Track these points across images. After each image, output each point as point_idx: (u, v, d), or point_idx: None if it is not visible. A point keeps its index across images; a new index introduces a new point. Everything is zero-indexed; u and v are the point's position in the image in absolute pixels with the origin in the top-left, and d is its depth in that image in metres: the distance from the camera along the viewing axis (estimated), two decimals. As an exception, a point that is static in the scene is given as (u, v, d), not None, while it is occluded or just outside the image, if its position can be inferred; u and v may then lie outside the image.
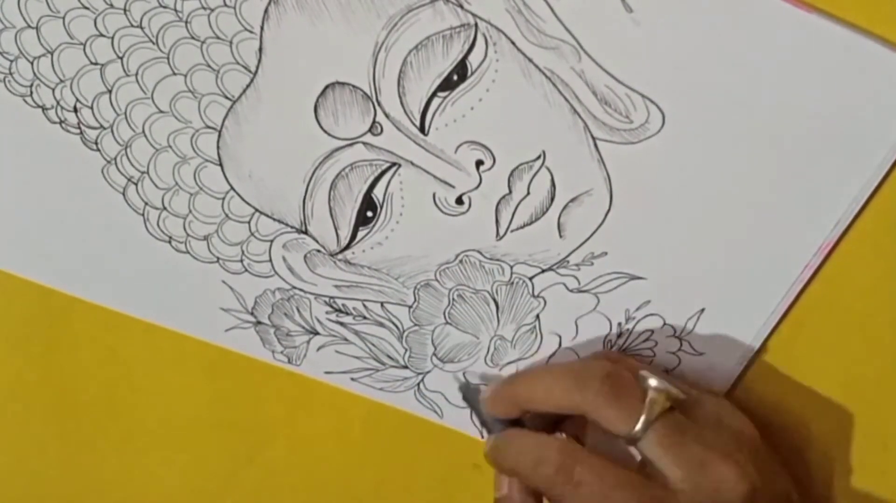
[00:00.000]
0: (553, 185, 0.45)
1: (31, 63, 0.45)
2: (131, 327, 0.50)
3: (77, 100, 0.45)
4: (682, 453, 0.42)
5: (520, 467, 0.45)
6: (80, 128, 0.46)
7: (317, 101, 0.45)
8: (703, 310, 0.48)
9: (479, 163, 0.45)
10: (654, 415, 0.43)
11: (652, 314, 0.48)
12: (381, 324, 0.49)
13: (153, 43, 0.44)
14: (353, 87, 0.44)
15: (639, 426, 0.43)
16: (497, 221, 0.46)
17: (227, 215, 0.47)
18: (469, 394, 0.50)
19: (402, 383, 0.51)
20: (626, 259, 0.47)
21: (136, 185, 0.47)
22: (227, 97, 0.45)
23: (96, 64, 0.45)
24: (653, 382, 0.43)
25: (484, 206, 0.46)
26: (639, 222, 0.46)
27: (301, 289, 0.49)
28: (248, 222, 0.47)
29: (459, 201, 0.46)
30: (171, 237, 0.48)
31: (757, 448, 0.45)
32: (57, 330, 0.51)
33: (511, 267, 0.47)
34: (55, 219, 0.48)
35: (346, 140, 0.45)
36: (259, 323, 0.50)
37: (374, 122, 0.45)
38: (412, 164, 0.45)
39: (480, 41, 0.43)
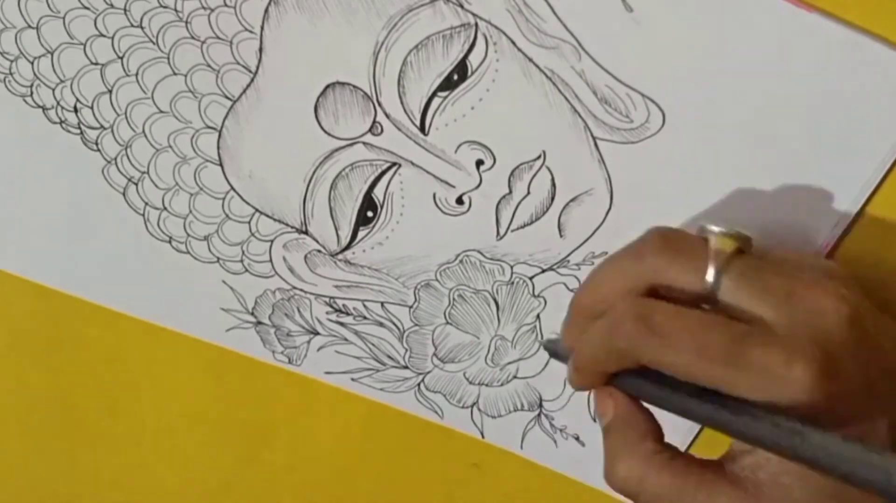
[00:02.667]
0: (553, 184, 0.45)
1: (32, 63, 0.45)
2: (132, 327, 0.50)
3: (77, 100, 0.45)
4: (766, 289, 0.38)
5: (599, 349, 0.39)
6: (80, 128, 0.46)
7: (317, 101, 0.45)
8: (703, 309, 0.48)
9: (479, 162, 0.45)
10: (724, 259, 0.38)
11: (652, 314, 0.48)
12: (382, 325, 0.49)
13: (153, 43, 0.44)
14: (354, 86, 0.44)
15: (710, 275, 0.38)
16: (497, 221, 0.46)
17: (227, 215, 0.47)
18: (554, 347, 0.45)
19: (402, 383, 0.51)
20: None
21: (136, 185, 0.47)
22: (227, 97, 0.45)
23: (96, 64, 0.45)
24: (714, 228, 0.39)
25: (484, 206, 0.46)
26: (639, 222, 0.46)
27: (301, 290, 0.49)
28: (249, 222, 0.47)
29: (460, 201, 0.46)
30: (171, 237, 0.48)
31: (851, 279, 0.40)
32: (57, 330, 0.51)
33: (511, 267, 0.47)
34: (55, 219, 0.48)
35: (346, 140, 0.45)
36: (259, 323, 0.50)
37: (374, 121, 0.45)
38: (412, 163, 0.45)
39: (480, 41, 0.43)
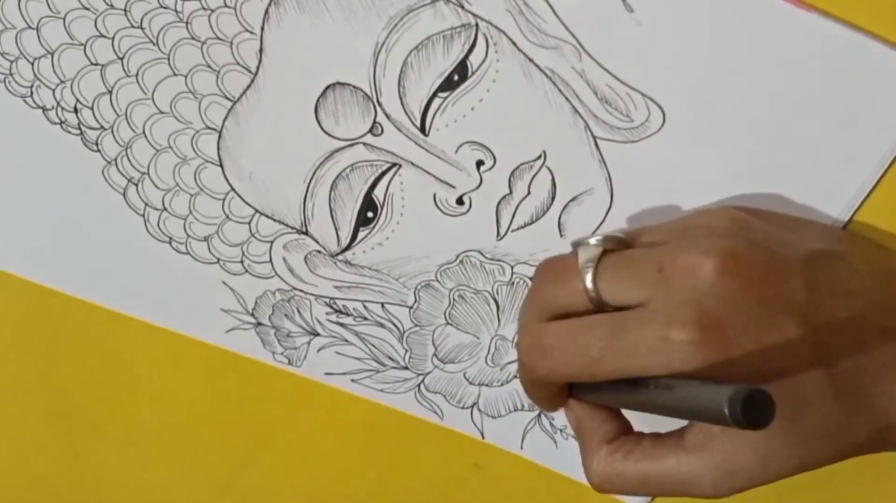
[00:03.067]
0: (554, 184, 0.46)
1: (32, 64, 0.45)
2: (132, 328, 0.50)
3: (77, 100, 0.45)
4: (636, 274, 0.39)
5: (522, 382, 0.44)
6: (80, 128, 0.46)
7: (317, 101, 0.45)
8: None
9: (479, 163, 0.45)
10: (593, 265, 0.40)
11: (652, 314, 0.48)
12: (382, 325, 0.49)
13: (153, 44, 0.44)
14: (354, 87, 0.44)
15: (588, 284, 0.40)
16: (498, 221, 0.46)
17: (227, 216, 0.47)
18: None
19: (402, 384, 0.51)
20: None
21: (136, 185, 0.47)
22: (227, 98, 0.45)
23: (97, 64, 0.45)
24: (585, 240, 0.41)
25: (484, 207, 0.46)
26: (639, 221, 0.46)
27: (301, 290, 0.49)
28: (249, 223, 0.47)
29: (460, 201, 0.46)
30: (171, 238, 0.48)
31: (744, 223, 0.41)
32: (57, 330, 0.50)
33: (512, 267, 0.47)
34: (55, 219, 0.48)
35: (346, 140, 0.45)
36: (259, 324, 0.50)
37: (374, 122, 0.45)
38: (413, 164, 0.45)
39: (481, 41, 0.44)
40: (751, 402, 0.33)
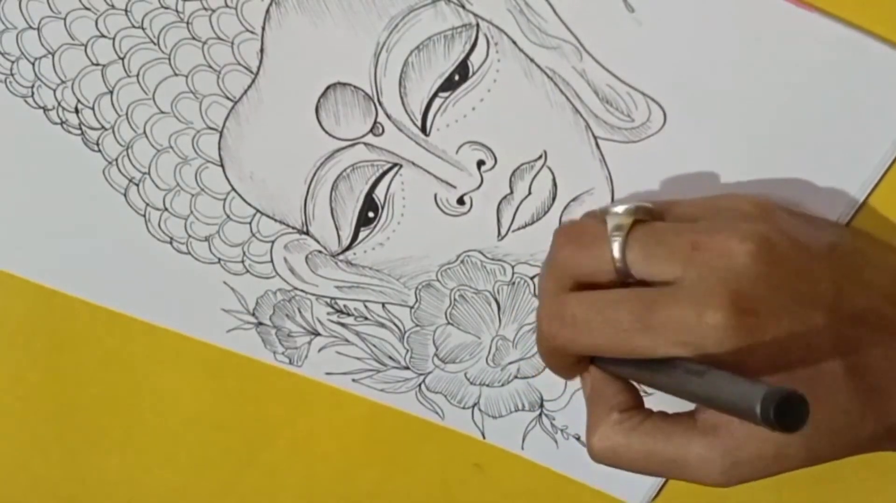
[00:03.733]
0: (555, 184, 0.46)
1: (33, 64, 0.45)
2: (132, 328, 0.50)
3: (78, 100, 0.45)
4: (669, 250, 0.38)
5: (540, 351, 0.43)
6: (81, 128, 0.46)
7: (318, 101, 0.45)
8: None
9: (480, 163, 0.45)
10: (624, 234, 0.39)
11: (653, 313, 0.48)
12: (383, 325, 0.49)
13: (154, 44, 0.44)
14: (355, 87, 0.44)
15: (616, 254, 0.39)
16: (499, 221, 0.46)
17: (228, 216, 0.47)
18: None
19: (403, 384, 0.51)
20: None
21: (137, 185, 0.47)
22: (228, 98, 0.45)
23: (97, 65, 0.45)
24: (612, 208, 0.40)
25: (485, 206, 0.46)
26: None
27: (302, 290, 0.49)
28: (250, 223, 0.47)
29: (461, 201, 0.46)
30: (172, 238, 0.48)
31: (771, 210, 0.40)
32: (58, 330, 0.50)
33: (513, 267, 0.47)
34: (56, 219, 0.48)
35: (347, 141, 0.45)
36: (260, 324, 0.50)
37: (375, 122, 0.45)
38: (414, 164, 0.45)
39: (482, 41, 0.44)
40: (786, 404, 0.32)
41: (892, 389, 0.39)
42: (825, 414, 0.38)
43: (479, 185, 0.46)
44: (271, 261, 0.48)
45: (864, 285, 0.40)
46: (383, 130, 0.45)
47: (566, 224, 0.42)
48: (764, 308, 0.37)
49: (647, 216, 0.40)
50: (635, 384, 0.43)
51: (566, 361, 0.43)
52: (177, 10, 0.43)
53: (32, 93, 0.45)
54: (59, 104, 0.45)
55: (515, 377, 0.50)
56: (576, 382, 0.50)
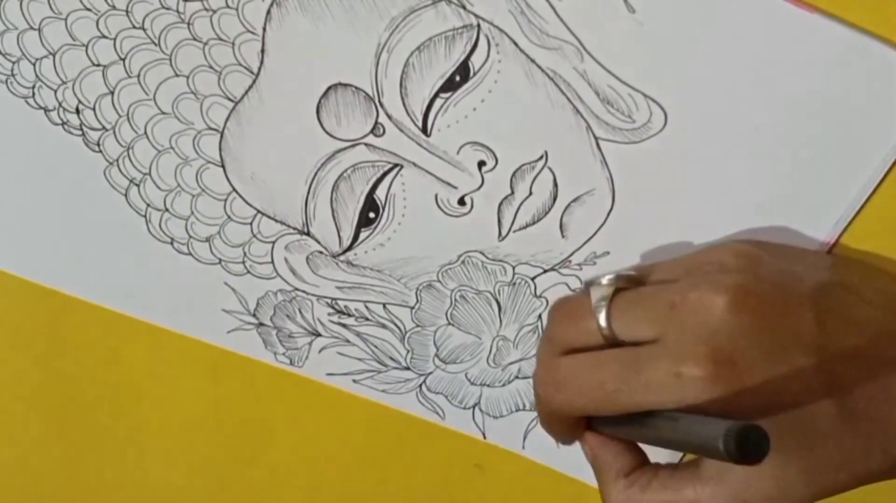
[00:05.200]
0: (555, 185, 0.46)
1: (34, 64, 0.45)
2: (133, 328, 0.50)
3: (79, 101, 0.45)
4: (649, 312, 0.40)
5: (539, 415, 0.45)
6: (82, 129, 0.46)
7: (319, 102, 0.45)
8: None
9: (481, 163, 0.45)
10: (606, 303, 0.41)
11: (654, 314, 0.48)
12: (384, 326, 0.49)
13: (155, 44, 0.44)
14: (356, 88, 0.44)
15: (602, 322, 0.41)
16: (499, 222, 0.46)
17: (229, 217, 0.47)
18: None
19: (404, 384, 0.51)
20: (629, 258, 0.47)
21: (138, 186, 0.47)
22: (229, 98, 0.45)
23: (98, 65, 0.45)
24: (597, 279, 0.42)
25: (486, 207, 0.46)
26: (641, 222, 0.46)
27: (303, 291, 0.49)
28: (251, 224, 0.47)
29: (462, 202, 0.46)
30: (173, 238, 0.48)
31: (751, 258, 0.41)
32: (58, 331, 0.50)
33: (513, 267, 0.47)
34: (57, 220, 0.48)
35: (348, 141, 0.45)
36: (261, 324, 0.50)
37: (376, 123, 0.45)
38: (414, 165, 0.45)
39: (483, 42, 0.44)
40: (744, 438, 0.34)
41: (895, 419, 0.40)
42: (828, 450, 0.39)
43: (480, 186, 0.46)
44: (272, 261, 0.48)
45: (853, 322, 0.40)
46: (384, 131, 0.45)
47: (558, 300, 0.45)
48: (742, 356, 0.38)
49: (628, 283, 0.42)
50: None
51: (564, 425, 0.44)
52: (178, 11, 0.43)
53: (33, 93, 0.45)
54: (60, 105, 0.45)
55: (516, 377, 0.50)
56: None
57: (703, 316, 0.38)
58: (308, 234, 0.47)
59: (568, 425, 0.44)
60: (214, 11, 0.43)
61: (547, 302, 0.48)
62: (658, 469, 0.43)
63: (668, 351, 0.39)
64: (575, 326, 0.42)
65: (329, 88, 0.44)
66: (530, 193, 0.46)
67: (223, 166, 0.46)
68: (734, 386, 0.38)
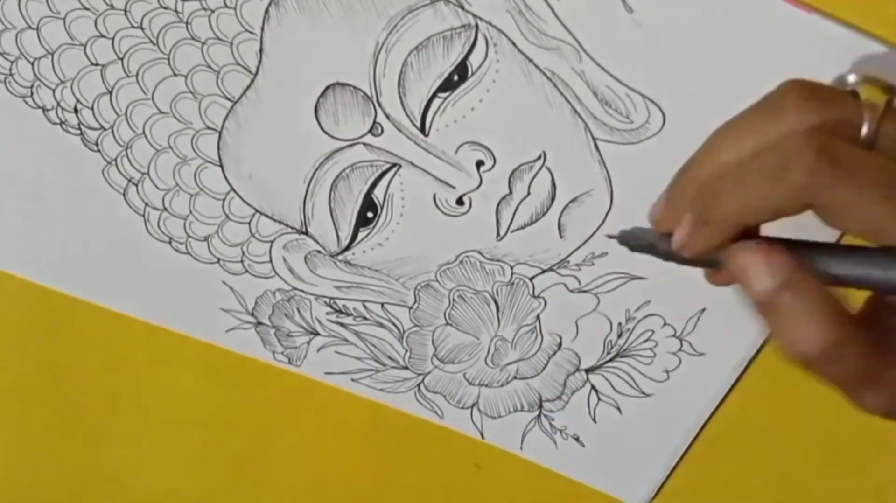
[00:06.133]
0: (553, 185, 0.46)
1: (32, 64, 0.45)
2: (132, 328, 0.50)
3: (77, 100, 0.45)
4: None
5: (758, 188, 0.34)
6: (80, 128, 0.46)
7: (317, 101, 0.45)
8: (703, 310, 0.48)
9: (479, 163, 0.45)
10: (878, 107, 0.34)
11: (652, 314, 0.48)
12: (382, 325, 0.49)
13: (154, 44, 0.44)
14: (354, 87, 0.44)
15: (866, 126, 0.34)
16: (497, 222, 0.46)
17: (227, 216, 0.47)
18: (634, 238, 0.39)
19: (402, 384, 0.51)
20: (627, 259, 0.47)
21: (136, 185, 0.47)
22: (227, 98, 0.45)
23: (97, 65, 0.45)
24: (853, 78, 0.37)
25: (484, 207, 0.46)
26: (639, 222, 0.46)
27: (301, 290, 0.49)
28: (249, 223, 0.47)
29: (460, 202, 0.46)
30: (171, 238, 0.48)
31: None
32: (57, 330, 0.51)
33: (511, 267, 0.47)
34: (56, 219, 0.48)
35: (346, 141, 0.45)
36: (259, 323, 0.50)
37: (374, 122, 0.45)
38: (413, 164, 0.45)
39: (481, 42, 0.43)
40: None
41: None
42: None
43: (478, 186, 0.46)
44: (270, 261, 0.48)
45: None
46: (382, 130, 0.45)
47: (803, 80, 0.35)
48: None
49: (894, 96, 0.35)
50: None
51: (759, 215, 0.35)
52: (176, 11, 0.43)
53: (32, 93, 0.45)
54: (58, 104, 0.45)
55: (514, 377, 0.50)
56: (573, 383, 0.50)
57: None
58: (306, 233, 0.47)
59: (747, 224, 0.35)
60: (213, 11, 0.43)
61: (545, 302, 0.48)
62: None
63: None
64: (830, 117, 0.34)
65: (327, 88, 0.44)
66: (528, 193, 0.46)
67: (221, 166, 0.46)
68: None
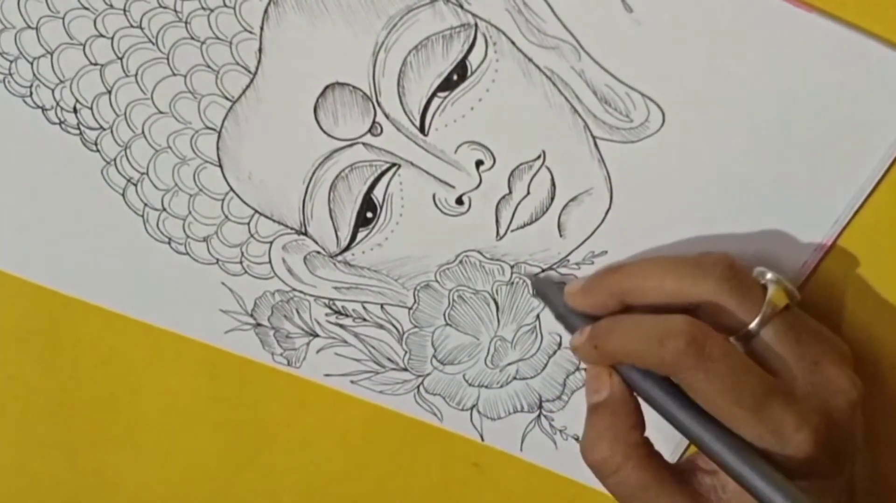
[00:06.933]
0: (553, 184, 0.45)
1: (31, 63, 0.45)
2: (131, 328, 0.50)
3: (77, 100, 0.45)
4: (799, 350, 0.41)
5: (640, 343, 0.41)
6: (79, 128, 0.46)
7: (316, 101, 0.45)
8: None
9: (479, 163, 0.45)
10: (776, 309, 0.41)
11: (652, 314, 0.48)
12: (381, 326, 0.49)
13: (153, 43, 0.44)
14: (353, 87, 0.44)
15: (758, 319, 0.41)
16: (497, 221, 0.46)
17: (226, 216, 0.47)
18: (543, 286, 0.47)
19: (401, 385, 0.51)
20: (627, 257, 0.47)
21: (135, 186, 0.47)
22: (226, 98, 0.45)
23: (96, 64, 0.45)
24: (771, 276, 0.42)
25: (484, 206, 0.46)
26: (639, 221, 0.46)
27: (301, 291, 0.49)
28: (248, 223, 0.47)
29: (459, 201, 0.46)
30: (170, 238, 0.48)
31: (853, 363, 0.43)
32: (56, 331, 0.50)
33: (511, 267, 0.47)
34: (55, 220, 0.48)
35: (345, 141, 0.45)
36: (258, 325, 0.50)
37: (373, 122, 0.45)
38: (412, 164, 0.45)
39: (480, 41, 0.43)
40: None
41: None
42: None
43: (478, 185, 0.46)
44: (269, 261, 0.48)
45: None
46: (382, 130, 0.45)
47: (733, 260, 0.43)
48: (833, 449, 0.41)
49: (793, 302, 0.42)
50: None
51: (634, 360, 0.42)
52: (175, 10, 0.43)
53: (31, 92, 0.45)
54: (57, 104, 0.45)
55: (514, 378, 0.50)
56: (573, 383, 0.50)
57: (834, 396, 0.41)
58: (305, 234, 0.47)
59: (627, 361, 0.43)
60: (212, 10, 0.43)
61: (545, 302, 0.48)
62: (654, 449, 0.43)
63: (797, 403, 0.40)
64: (736, 299, 0.41)
65: (326, 88, 0.44)
66: (528, 193, 0.46)
67: (221, 166, 0.46)
68: (813, 463, 0.40)
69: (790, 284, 0.42)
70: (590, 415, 0.43)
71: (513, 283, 0.48)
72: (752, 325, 0.41)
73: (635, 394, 0.43)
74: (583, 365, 0.49)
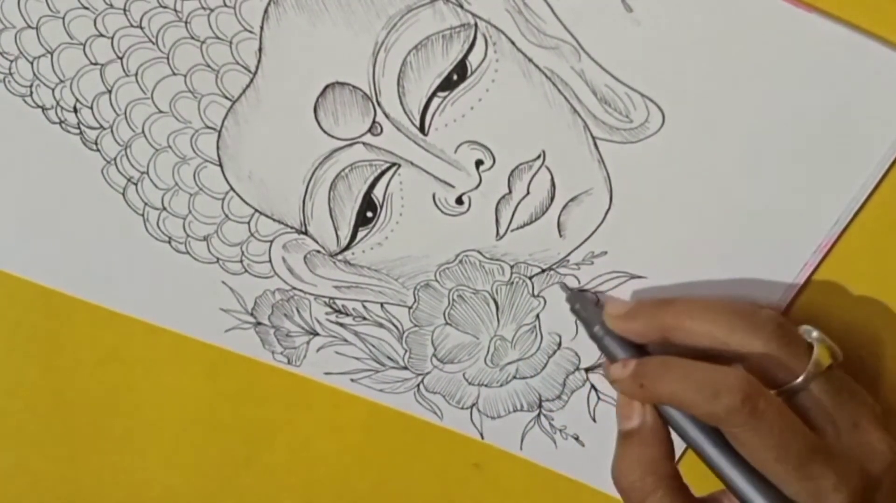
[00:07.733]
0: (553, 184, 0.45)
1: (31, 63, 0.45)
2: (131, 328, 0.50)
3: (77, 100, 0.45)
4: (839, 410, 0.43)
5: (692, 393, 0.42)
6: (79, 128, 0.46)
7: (316, 101, 0.45)
8: (703, 310, 0.48)
9: (478, 162, 0.45)
10: (821, 368, 0.43)
11: (652, 314, 0.48)
12: (381, 325, 0.49)
13: (153, 43, 0.44)
14: (353, 87, 0.44)
15: (803, 377, 0.42)
16: (497, 221, 0.46)
17: (226, 216, 0.47)
18: (579, 302, 0.47)
19: (401, 384, 0.51)
20: (626, 258, 0.47)
21: (135, 185, 0.47)
22: (226, 97, 0.45)
23: (96, 64, 0.45)
24: (816, 335, 0.43)
25: (484, 206, 0.46)
26: (638, 221, 0.46)
27: (301, 290, 0.49)
28: (248, 223, 0.47)
29: (459, 201, 0.46)
30: (170, 237, 0.48)
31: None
32: (57, 330, 0.51)
33: (511, 266, 0.47)
34: (55, 219, 0.48)
35: (345, 140, 0.45)
36: (259, 323, 0.50)
37: (373, 122, 0.45)
38: (412, 164, 0.45)
39: (480, 41, 0.43)
40: None
41: None
42: None
43: (478, 185, 0.46)
44: (270, 260, 0.48)
45: None
46: (382, 130, 0.45)
47: (783, 319, 0.44)
48: None
49: (836, 362, 0.44)
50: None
51: (680, 405, 0.43)
52: (175, 10, 0.43)
53: (31, 92, 0.45)
54: (57, 103, 0.45)
55: (514, 377, 0.50)
56: (573, 383, 0.50)
57: (871, 458, 0.42)
58: (306, 233, 0.47)
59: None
60: (212, 10, 0.43)
61: (545, 301, 0.48)
62: (684, 482, 0.44)
63: (836, 463, 0.41)
64: (784, 355, 0.43)
65: (326, 87, 0.44)
66: (528, 193, 0.46)
67: (221, 165, 0.46)
68: None
69: (834, 344, 0.44)
70: (622, 441, 0.44)
71: (512, 283, 0.48)
72: (798, 382, 0.42)
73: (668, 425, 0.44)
74: (583, 365, 0.49)
